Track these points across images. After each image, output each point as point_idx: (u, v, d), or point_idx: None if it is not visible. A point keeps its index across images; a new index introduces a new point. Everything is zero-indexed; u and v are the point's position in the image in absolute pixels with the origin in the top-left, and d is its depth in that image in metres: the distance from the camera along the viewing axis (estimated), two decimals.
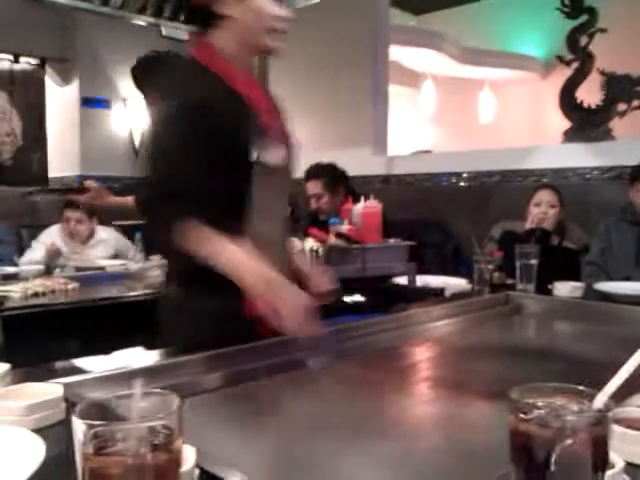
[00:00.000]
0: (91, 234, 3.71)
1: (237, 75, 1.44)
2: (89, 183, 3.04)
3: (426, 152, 6.09)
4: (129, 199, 2.79)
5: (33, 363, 1.20)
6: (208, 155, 1.32)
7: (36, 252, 3.48)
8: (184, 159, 1.32)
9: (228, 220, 1.34)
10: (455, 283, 2.44)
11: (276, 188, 1.50)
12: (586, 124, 4.61)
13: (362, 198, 2.55)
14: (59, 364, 1.22)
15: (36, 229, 3.83)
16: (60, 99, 5.82)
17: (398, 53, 6.75)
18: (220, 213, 1.31)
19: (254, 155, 1.40)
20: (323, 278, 1.54)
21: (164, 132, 1.38)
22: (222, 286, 1.28)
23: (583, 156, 3.98)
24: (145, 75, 2.74)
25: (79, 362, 1.23)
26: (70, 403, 0.93)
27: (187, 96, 1.36)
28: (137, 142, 5.49)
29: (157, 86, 2.61)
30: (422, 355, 1.54)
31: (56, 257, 3.32)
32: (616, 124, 4.60)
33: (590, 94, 4.75)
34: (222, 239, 1.30)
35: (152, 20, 4.59)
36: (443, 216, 4.40)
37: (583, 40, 4.89)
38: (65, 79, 5.76)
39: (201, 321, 1.39)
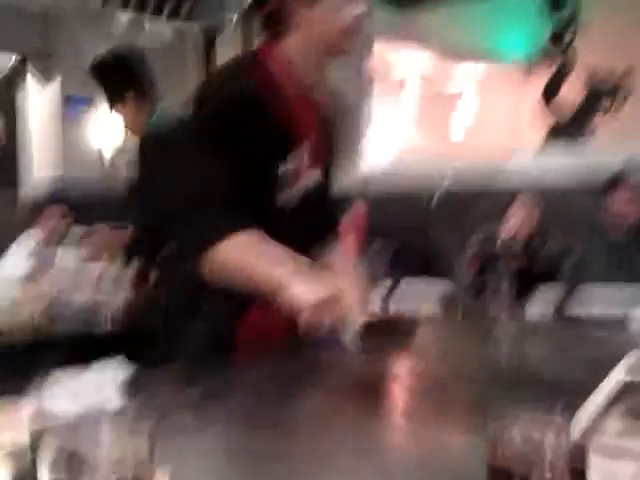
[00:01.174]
0: (66, 234, 3.66)
1: (292, 94, 1.37)
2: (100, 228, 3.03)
3: (409, 155, 6.08)
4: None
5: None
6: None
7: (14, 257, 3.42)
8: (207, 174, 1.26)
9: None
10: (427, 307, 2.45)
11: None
12: (570, 121, 4.64)
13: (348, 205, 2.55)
14: (28, 402, 1.18)
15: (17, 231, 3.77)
16: (42, 97, 5.74)
17: (381, 49, 6.75)
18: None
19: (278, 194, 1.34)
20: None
21: (198, 137, 1.31)
22: (211, 310, 1.28)
23: (562, 165, 4.00)
24: (108, 75, 2.68)
25: (50, 403, 1.18)
26: (39, 450, 0.91)
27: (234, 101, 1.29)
28: (119, 143, 5.43)
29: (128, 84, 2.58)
30: (395, 384, 1.51)
31: (45, 271, 3.27)
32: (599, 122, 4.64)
33: (573, 92, 4.79)
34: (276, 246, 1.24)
35: (135, 15, 4.55)
36: (425, 221, 4.36)
37: (567, 37, 4.92)
38: (47, 76, 5.68)
39: (188, 345, 1.38)
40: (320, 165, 1.46)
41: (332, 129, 1.53)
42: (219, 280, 1.25)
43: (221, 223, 1.23)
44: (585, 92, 4.94)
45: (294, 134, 1.37)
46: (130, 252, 2.75)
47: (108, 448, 0.55)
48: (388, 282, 2.45)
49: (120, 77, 2.64)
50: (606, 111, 4.89)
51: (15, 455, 0.89)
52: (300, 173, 1.40)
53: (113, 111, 2.75)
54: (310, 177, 1.42)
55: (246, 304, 1.38)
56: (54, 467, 0.54)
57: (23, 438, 0.93)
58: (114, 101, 2.69)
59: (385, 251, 2.53)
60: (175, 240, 1.36)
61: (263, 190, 1.34)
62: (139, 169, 2.53)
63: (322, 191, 1.50)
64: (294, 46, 1.36)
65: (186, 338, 1.38)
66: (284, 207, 1.38)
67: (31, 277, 3.06)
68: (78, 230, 3.71)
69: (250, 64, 1.39)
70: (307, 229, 1.44)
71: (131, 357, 1.38)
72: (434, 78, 8.22)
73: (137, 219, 2.58)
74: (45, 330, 2.52)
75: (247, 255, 1.24)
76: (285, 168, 1.35)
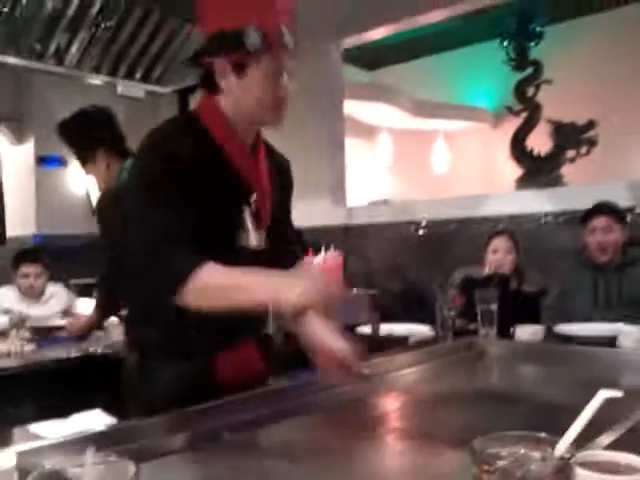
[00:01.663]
0: (42, 290, 3.63)
1: (233, 142, 1.42)
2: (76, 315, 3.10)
3: (384, 201, 6.18)
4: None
5: None
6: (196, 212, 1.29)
7: None
8: (173, 213, 1.27)
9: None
10: (419, 330, 2.45)
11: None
12: (537, 171, 4.77)
13: (322, 249, 2.56)
14: (12, 431, 1.18)
15: None
16: (15, 158, 5.76)
17: (353, 107, 6.91)
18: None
19: (237, 238, 1.40)
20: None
21: (148, 190, 1.32)
22: (188, 349, 1.27)
23: (536, 202, 4.09)
24: (74, 135, 2.71)
25: (34, 428, 1.18)
26: (23, 473, 0.89)
27: (179, 150, 1.32)
28: (94, 199, 5.43)
29: (93, 142, 2.62)
30: (388, 406, 1.53)
31: (22, 325, 3.22)
32: (567, 170, 4.77)
33: (540, 142, 4.93)
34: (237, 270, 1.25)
35: (108, 79, 4.60)
36: (404, 264, 4.44)
37: (530, 91, 5.10)
38: (19, 138, 5.72)
39: (166, 385, 1.37)
40: (273, 209, 1.51)
41: (284, 178, 1.61)
42: (205, 305, 1.24)
43: (190, 259, 1.24)
44: (551, 144, 5.09)
45: (239, 182, 1.42)
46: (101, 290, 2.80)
47: (92, 468, 0.54)
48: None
49: (87, 136, 2.67)
50: (572, 161, 5.05)
51: (1, 474, 0.87)
52: (258, 216, 1.44)
53: (85, 171, 2.78)
54: (265, 221, 1.47)
55: (222, 341, 1.39)
56: None
57: (9, 458, 0.91)
58: (84, 161, 2.72)
59: (363, 298, 2.54)
60: (148, 283, 1.35)
61: (222, 234, 1.38)
62: (99, 225, 2.59)
63: (281, 230, 1.57)
64: (225, 106, 1.41)
65: (162, 378, 1.37)
66: (246, 249, 1.42)
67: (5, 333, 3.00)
68: (53, 287, 3.68)
69: (190, 120, 1.43)
70: (273, 266, 1.47)
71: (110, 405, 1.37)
72: (405, 131, 8.43)
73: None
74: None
75: (229, 273, 1.25)
76: (240, 213, 1.40)
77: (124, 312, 1.87)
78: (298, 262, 1.55)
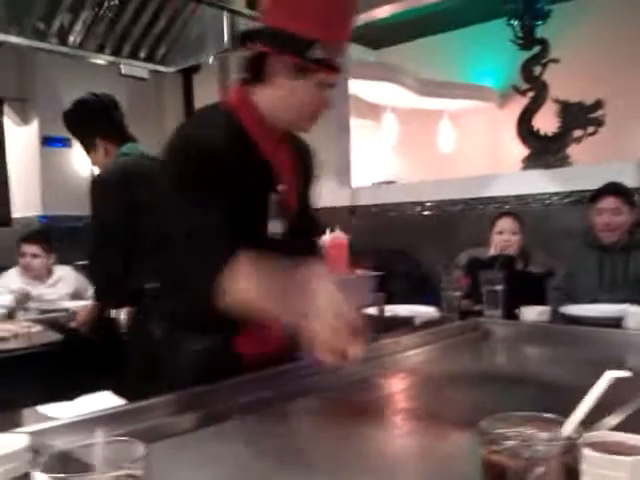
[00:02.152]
0: (49, 272, 3.65)
1: (265, 139, 1.42)
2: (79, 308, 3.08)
3: (389, 182, 6.17)
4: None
5: None
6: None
7: None
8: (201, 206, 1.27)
9: None
10: (424, 311, 2.45)
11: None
12: (544, 151, 4.73)
13: (328, 230, 2.56)
14: (22, 412, 1.19)
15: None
16: (20, 139, 5.76)
17: (358, 87, 6.86)
18: None
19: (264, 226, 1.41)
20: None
21: (182, 185, 1.31)
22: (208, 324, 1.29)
23: (542, 182, 4.08)
24: (79, 119, 2.71)
25: (43, 409, 1.19)
26: (36, 453, 0.90)
27: (200, 143, 1.32)
28: None
29: (97, 130, 2.61)
30: (395, 387, 1.53)
31: (26, 301, 3.25)
32: (574, 150, 4.73)
33: (546, 122, 4.89)
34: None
35: (111, 59, 4.57)
36: (409, 245, 4.44)
37: (537, 70, 5.04)
38: (24, 119, 5.71)
39: (186, 358, 1.39)
40: (297, 196, 1.53)
41: (307, 165, 1.64)
42: (235, 310, 1.23)
43: (223, 253, 1.23)
44: (558, 124, 5.05)
45: (270, 172, 1.43)
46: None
47: (102, 448, 0.54)
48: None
49: (83, 127, 2.68)
50: (578, 141, 5.01)
51: (13, 455, 0.88)
52: (284, 204, 1.46)
53: (91, 161, 2.80)
54: (292, 210, 1.49)
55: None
56: (50, 467, 0.53)
57: (22, 439, 0.92)
58: (87, 150, 2.73)
59: (368, 279, 2.54)
60: (182, 270, 1.35)
61: (252, 223, 1.39)
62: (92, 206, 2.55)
63: (304, 217, 1.58)
64: (263, 99, 1.41)
65: (188, 351, 1.39)
66: (274, 236, 1.44)
67: (9, 314, 3.03)
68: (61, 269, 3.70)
69: (222, 112, 1.43)
70: (295, 254, 1.46)
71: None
72: (411, 111, 8.38)
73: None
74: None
75: (256, 288, 1.22)
76: (269, 201, 1.42)
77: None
78: (317, 246, 1.57)
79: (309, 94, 1.37)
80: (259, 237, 1.40)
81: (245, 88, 1.43)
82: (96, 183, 2.57)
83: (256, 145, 1.41)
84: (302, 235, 1.58)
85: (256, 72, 1.39)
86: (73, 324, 3.00)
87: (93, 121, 2.67)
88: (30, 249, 3.59)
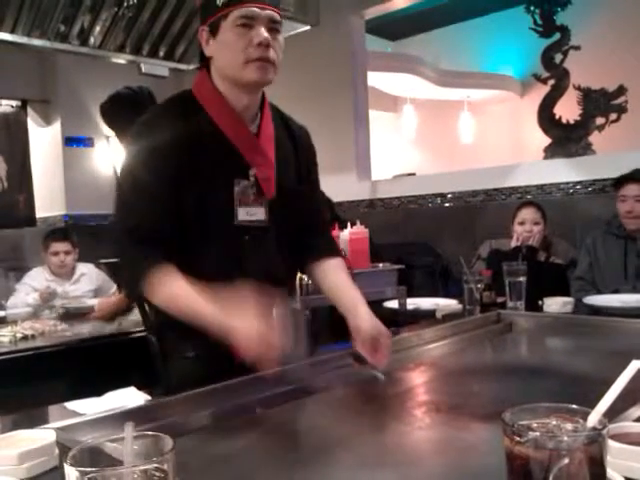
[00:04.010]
0: (73, 269, 3.69)
1: (225, 113, 1.41)
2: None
3: (409, 175, 6.13)
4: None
5: (24, 408, 1.19)
6: (176, 199, 1.33)
7: (22, 295, 3.45)
8: (149, 202, 1.32)
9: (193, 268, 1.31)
10: (446, 304, 2.44)
11: (257, 248, 1.44)
12: (566, 140, 4.67)
13: (349, 224, 2.56)
14: (50, 408, 1.21)
15: (25, 271, 3.81)
16: (43, 140, 5.83)
17: (377, 79, 6.84)
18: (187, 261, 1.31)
19: (235, 214, 1.39)
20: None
21: (133, 175, 1.37)
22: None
23: (565, 171, 4.03)
24: (115, 112, 2.73)
25: (71, 405, 1.21)
26: (63, 448, 0.92)
27: (163, 135, 1.35)
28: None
29: (133, 123, 2.63)
30: (417, 379, 1.53)
31: (52, 299, 3.30)
32: (595, 138, 4.67)
33: (568, 110, 4.83)
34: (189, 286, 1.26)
35: (131, 58, 4.59)
36: (430, 237, 4.42)
37: (558, 57, 4.98)
38: (47, 120, 5.78)
39: (186, 365, 1.40)
40: (285, 180, 1.49)
41: (299, 146, 1.57)
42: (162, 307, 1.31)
43: (151, 257, 1.29)
44: (580, 111, 4.98)
45: (237, 158, 1.40)
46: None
47: (131, 443, 0.55)
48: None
49: (126, 117, 2.69)
50: (601, 129, 4.94)
51: (42, 450, 0.90)
52: (260, 190, 1.42)
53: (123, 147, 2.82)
54: (269, 195, 1.44)
55: None
56: (79, 462, 0.54)
57: (50, 435, 0.94)
58: (122, 139, 2.74)
59: (390, 272, 2.53)
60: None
61: (218, 212, 1.38)
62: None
63: (298, 201, 1.53)
64: (213, 75, 1.42)
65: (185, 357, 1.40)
66: (259, 224, 1.42)
67: (34, 313, 3.08)
68: (84, 266, 3.75)
69: (183, 99, 1.45)
70: (285, 243, 1.49)
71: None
72: (430, 102, 8.33)
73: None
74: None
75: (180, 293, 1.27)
76: (234, 188, 1.39)
77: None
78: (325, 233, 1.55)
79: (232, 42, 1.34)
80: (229, 226, 1.38)
81: (203, 73, 1.44)
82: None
83: (220, 132, 1.39)
84: (309, 231, 1.57)
85: (201, 57, 1.42)
86: (95, 315, 3.04)
87: (131, 112, 2.69)
88: (62, 247, 3.63)
